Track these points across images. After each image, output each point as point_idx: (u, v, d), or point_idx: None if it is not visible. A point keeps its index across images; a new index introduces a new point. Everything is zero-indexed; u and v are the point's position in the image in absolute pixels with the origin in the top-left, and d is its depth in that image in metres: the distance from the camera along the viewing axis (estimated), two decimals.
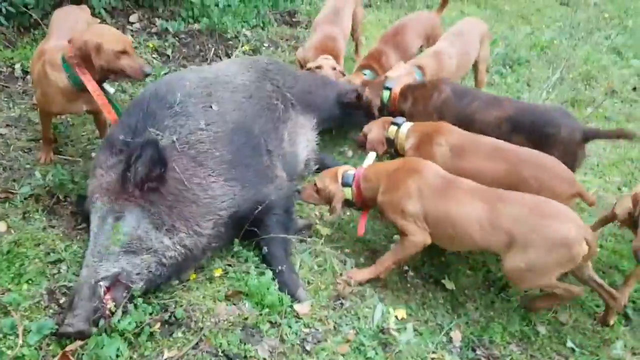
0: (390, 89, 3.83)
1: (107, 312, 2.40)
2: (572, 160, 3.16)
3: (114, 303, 2.42)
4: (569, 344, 2.83)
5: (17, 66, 4.44)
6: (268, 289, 2.73)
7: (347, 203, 3.11)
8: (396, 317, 2.80)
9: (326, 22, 4.91)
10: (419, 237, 2.81)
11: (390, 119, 3.51)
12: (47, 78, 3.09)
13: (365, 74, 4.53)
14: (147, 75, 3.19)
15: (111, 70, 3.10)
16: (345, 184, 3.05)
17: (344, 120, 4.21)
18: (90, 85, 3.05)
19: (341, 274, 2.99)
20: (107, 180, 2.67)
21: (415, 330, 2.75)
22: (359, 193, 3.03)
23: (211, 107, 3.05)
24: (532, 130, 3.24)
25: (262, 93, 3.49)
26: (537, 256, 2.56)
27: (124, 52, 3.07)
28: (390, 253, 2.95)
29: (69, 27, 3.44)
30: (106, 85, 3.22)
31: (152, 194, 2.64)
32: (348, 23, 5.10)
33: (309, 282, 2.95)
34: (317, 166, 3.86)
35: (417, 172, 2.86)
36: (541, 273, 2.61)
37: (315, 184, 3.14)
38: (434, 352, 2.66)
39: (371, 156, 3.43)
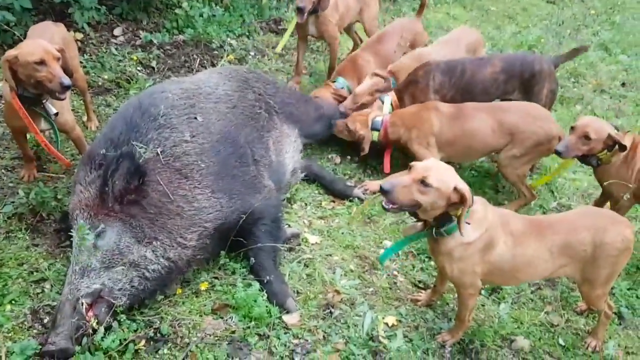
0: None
1: (90, 329, 2.36)
2: (556, 86, 4.04)
3: (96, 320, 2.39)
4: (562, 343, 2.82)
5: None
6: (255, 300, 2.70)
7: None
8: (386, 324, 2.77)
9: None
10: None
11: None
12: (3, 92, 3.03)
13: (335, 82, 4.53)
14: (65, 87, 2.91)
15: (35, 85, 2.92)
16: (374, 129, 3.83)
17: (324, 138, 4.21)
18: (18, 107, 2.94)
19: (331, 283, 2.97)
20: (87, 196, 2.63)
21: (405, 336, 2.72)
22: (385, 135, 3.81)
23: (195, 118, 3.02)
24: (522, 72, 3.90)
25: (245, 102, 3.46)
26: (527, 148, 3.53)
27: (40, 63, 2.86)
28: None
29: None
30: (48, 105, 3.07)
31: (132, 207, 2.61)
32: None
33: (298, 292, 2.92)
34: (304, 174, 3.83)
35: (435, 109, 3.69)
36: (525, 162, 3.61)
37: (347, 124, 3.91)
38: (424, 358, 2.62)
39: (387, 101, 4.05)
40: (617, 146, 3.07)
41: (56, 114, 3.10)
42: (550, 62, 3.98)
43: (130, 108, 3.01)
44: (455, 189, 2.26)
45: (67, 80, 2.92)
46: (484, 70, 3.92)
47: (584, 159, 3.25)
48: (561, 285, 3.17)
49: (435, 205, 2.30)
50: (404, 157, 3.95)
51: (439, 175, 2.28)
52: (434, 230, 2.40)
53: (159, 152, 2.79)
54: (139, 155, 2.72)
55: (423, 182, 2.27)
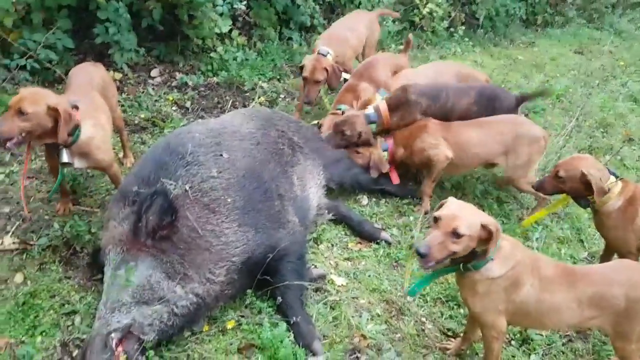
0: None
1: None
2: None
3: (125, 356, 2.40)
4: None
5: None
6: (282, 341, 2.68)
7: None
8: None
9: None
10: (442, 155, 3.95)
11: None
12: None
13: (340, 109, 4.52)
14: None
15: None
16: (384, 149, 4.15)
17: (347, 182, 4.13)
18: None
19: (357, 327, 2.94)
20: (120, 231, 2.70)
21: None
22: (391, 155, 4.14)
23: (222, 155, 3.10)
24: (488, 105, 4.28)
25: (268, 139, 3.55)
26: (522, 152, 3.85)
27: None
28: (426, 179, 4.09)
29: (82, 84, 3.51)
30: (64, 153, 3.09)
31: (164, 243, 2.66)
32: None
33: (324, 335, 2.90)
34: (331, 214, 3.85)
35: (425, 126, 4.04)
36: (527, 165, 3.90)
37: (356, 151, 4.15)
38: None
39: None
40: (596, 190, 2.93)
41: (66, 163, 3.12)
42: (512, 99, 4.39)
43: (159, 148, 3.14)
44: (482, 226, 2.30)
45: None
46: (462, 100, 4.26)
47: (577, 200, 3.20)
48: (593, 338, 3.09)
49: (468, 248, 2.33)
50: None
51: (467, 220, 2.31)
52: (461, 265, 2.42)
53: (187, 189, 2.86)
54: (171, 192, 2.78)
55: (454, 233, 2.29)
